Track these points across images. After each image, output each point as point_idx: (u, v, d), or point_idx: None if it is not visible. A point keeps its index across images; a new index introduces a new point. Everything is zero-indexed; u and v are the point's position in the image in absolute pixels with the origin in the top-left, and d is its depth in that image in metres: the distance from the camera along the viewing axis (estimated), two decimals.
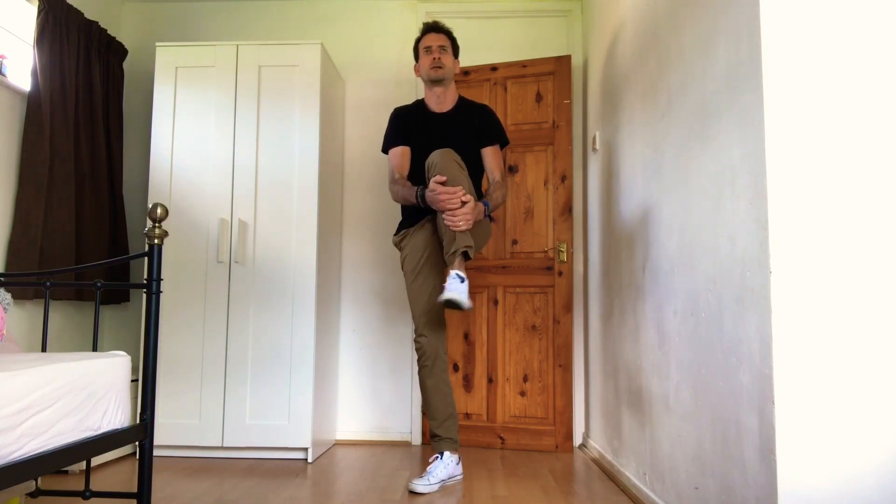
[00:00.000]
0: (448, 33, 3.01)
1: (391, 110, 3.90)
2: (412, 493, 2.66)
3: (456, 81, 3.73)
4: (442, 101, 3.00)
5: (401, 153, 2.97)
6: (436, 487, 2.70)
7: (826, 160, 1.52)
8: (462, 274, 2.60)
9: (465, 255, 2.64)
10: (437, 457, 2.78)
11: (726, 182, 1.76)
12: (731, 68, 1.73)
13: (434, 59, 2.93)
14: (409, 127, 2.98)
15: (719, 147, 1.81)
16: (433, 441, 2.84)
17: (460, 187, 2.61)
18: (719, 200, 1.81)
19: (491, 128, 2.99)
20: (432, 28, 3.01)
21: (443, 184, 2.62)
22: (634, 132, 2.70)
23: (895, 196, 1.51)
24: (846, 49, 1.53)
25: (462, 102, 3.04)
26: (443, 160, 2.66)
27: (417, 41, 3.03)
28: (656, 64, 2.40)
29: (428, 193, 2.67)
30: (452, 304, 2.56)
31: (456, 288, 2.56)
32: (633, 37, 2.71)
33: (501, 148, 3.02)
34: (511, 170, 3.69)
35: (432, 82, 2.97)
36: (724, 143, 1.78)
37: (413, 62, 3.00)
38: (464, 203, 2.60)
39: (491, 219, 3.06)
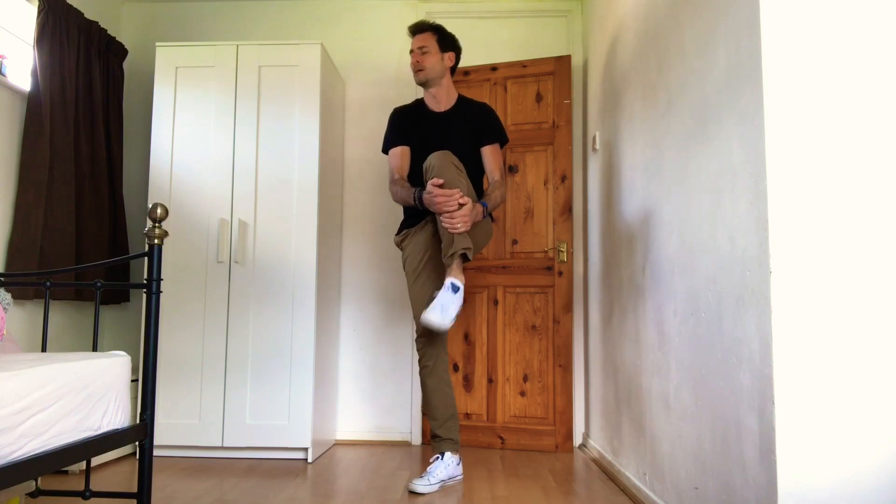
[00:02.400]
0: (432, 29, 2.97)
1: (391, 110, 3.93)
2: (412, 493, 2.66)
3: (456, 82, 3.74)
4: (439, 101, 2.99)
5: (400, 153, 2.96)
6: (436, 487, 2.70)
7: (826, 160, 1.52)
8: (457, 282, 2.60)
9: (464, 258, 2.64)
10: (438, 457, 2.78)
11: (726, 182, 1.76)
12: (731, 68, 1.73)
13: (414, 63, 2.94)
14: (409, 126, 2.98)
15: (719, 147, 1.81)
16: (434, 441, 2.84)
17: (457, 190, 2.61)
18: (719, 200, 1.81)
19: (491, 127, 2.98)
20: (413, 30, 2.99)
21: (440, 186, 2.61)
22: (634, 132, 2.70)
23: (895, 196, 1.51)
24: (846, 49, 1.53)
25: (462, 101, 3.03)
26: (440, 162, 2.66)
27: None
28: (656, 64, 2.40)
29: (425, 196, 2.67)
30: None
31: (444, 302, 2.56)
32: (633, 37, 2.71)
33: (501, 147, 3.01)
34: (511, 170, 3.69)
35: (420, 84, 2.98)
36: (724, 142, 1.78)
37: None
38: (461, 205, 2.59)
39: (492, 218, 3.05)
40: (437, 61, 2.94)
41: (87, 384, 1.88)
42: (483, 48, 3.93)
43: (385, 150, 3.03)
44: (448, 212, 2.59)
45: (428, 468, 2.77)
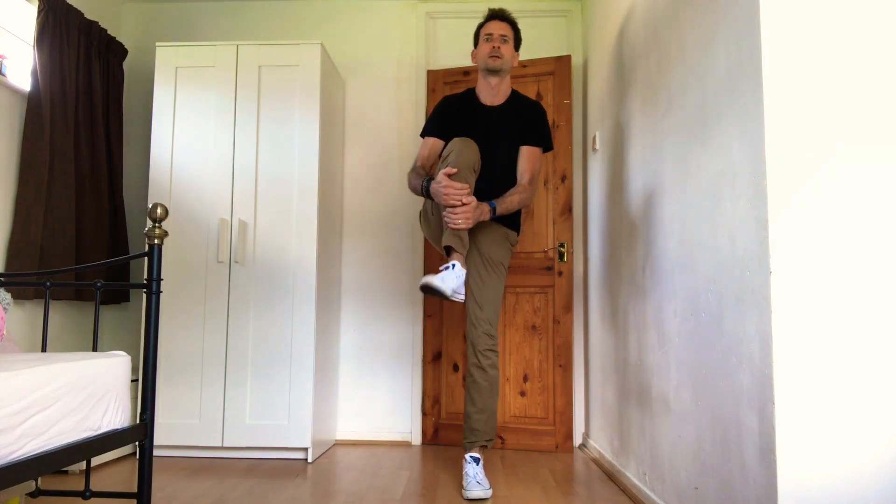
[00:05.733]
0: (513, 23, 2.87)
1: (391, 110, 3.94)
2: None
3: (456, 81, 3.75)
4: (495, 94, 2.86)
5: (431, 144, 2.88)
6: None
7: (826, 160, 1.51)
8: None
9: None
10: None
11: (726, 182, 1.76)
12: (731, 68, 1.73)
13: (494, 47, 2.78)
14: (455, 117, 2.87)
15: (719, 147, 1.81)
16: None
17: (466, 185, 2.54)
18: (719, 200, 1.81)
19: (535, 128, 2.84)
20: (497, 15, 2.85)
21: (452, 176, 2.53)
22: (634, 132, 2.70)
23: (895, 196, 1.51)
24: (846, 48, 1.53)
25: (514, 96, 2.90)
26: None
27: (480, 26, 2.88)
28: (656, 64, 2.40)
29: (433, 185, 2.59)
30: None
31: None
32: (634, 36, 2.71)
33: (544, 152, 2.88)
34: None
35: (488, 71, 2.82)
36: (724, 142, 1.78)
37: (470, 49, 2.80)
38: (464, 203, 2.54)
39: (517, 228, 2.91)
40: (511, 54, 2.84)
41: (87, 384, 1.88)
42: None
43: (422, 135, 2.95)
44: (452, 206, 2.53)
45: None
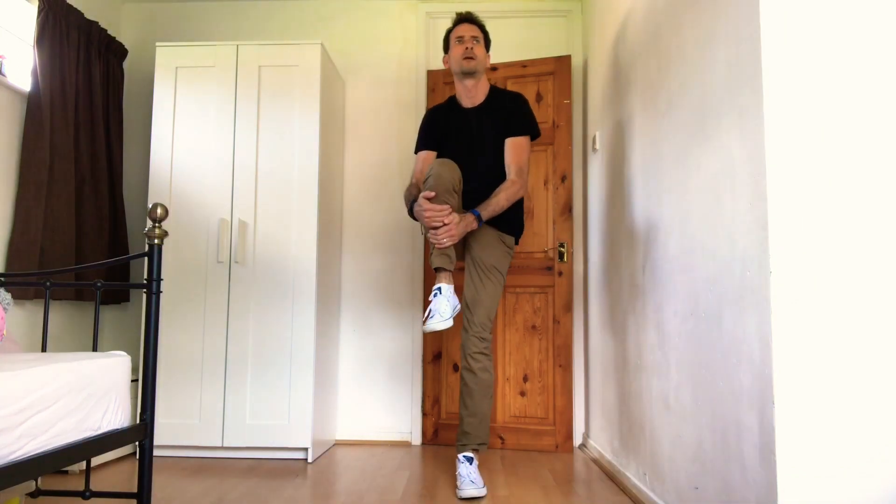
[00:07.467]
0: (481, 26, 2.90)
1: (391, 110, 3.95)
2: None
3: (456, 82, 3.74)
4: (473, 95, 2.87)
5: (423, 158, 2.91)
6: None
7: (826, 160, 1.51)
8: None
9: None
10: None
11: (726, 182, 1.76)
12: (731, 68, 1.73)
13: (467, 48, 2.80)
14: (441, 126, 2.91)
15: (719, 147, 1.81)
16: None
17: (447, 207, 2.55)
18: (719, 200, 1.81)
19: (518, 118, 2.82)
20: (465, 19, 2.88)
21: (431, 200, 2.56)
22: (634, 132, 2.70)
23: (895, 196, 1.51)
24: (846, 49, 1.53)
25: (492, 93, 2.90)
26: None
27: (449, 32, 2.91)
28: (656, 64, 2.40)
29: (416, 208, 2.63)
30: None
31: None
32: (634, 36, 2.71)
33: (532, 139, 2.87)
34: None
35: (463, 74, 2.83)
36: (724, 142, 1.78)
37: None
38: (446, 224, 2.55)
39: (516, 229, 2.89)
40: (484, 54, 2.86)
41: (87, 384, 1.88)
42: None
43: (415, 152, 2.98)
44: (434, 228, 2.56)
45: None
